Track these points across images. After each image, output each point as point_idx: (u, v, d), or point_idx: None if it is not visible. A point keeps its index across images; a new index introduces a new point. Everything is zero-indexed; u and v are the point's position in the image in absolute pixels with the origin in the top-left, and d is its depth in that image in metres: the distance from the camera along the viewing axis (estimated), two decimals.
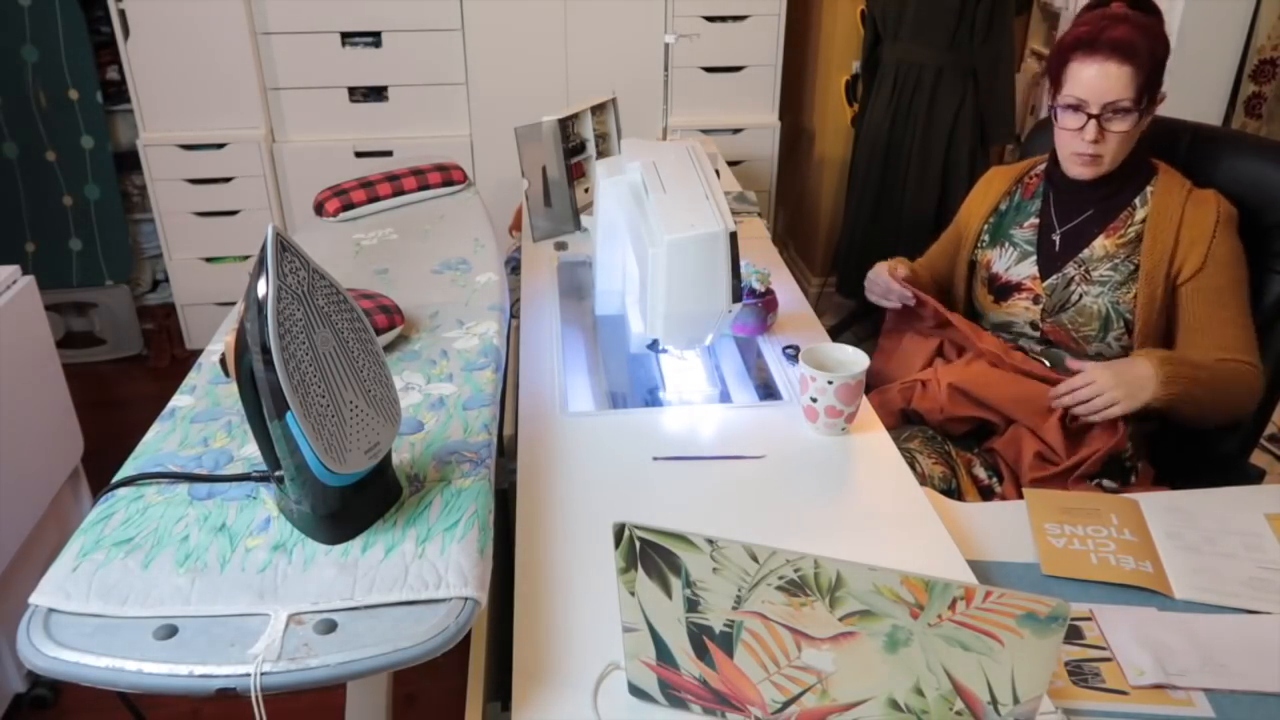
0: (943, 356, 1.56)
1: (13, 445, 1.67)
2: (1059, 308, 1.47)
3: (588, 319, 1.63)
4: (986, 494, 1.39)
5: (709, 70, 2.94)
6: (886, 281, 1.58)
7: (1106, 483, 1.37)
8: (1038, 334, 1.51)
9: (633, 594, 0.77)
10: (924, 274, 1.67)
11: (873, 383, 1.59)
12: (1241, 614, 1.01)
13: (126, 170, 2.96)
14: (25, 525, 1.71)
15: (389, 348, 1.24)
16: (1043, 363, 1.49)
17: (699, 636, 0.78)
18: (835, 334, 2.57)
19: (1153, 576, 1.06)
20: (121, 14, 2.61)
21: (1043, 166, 1.55)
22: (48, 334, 1.84)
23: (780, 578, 0.72)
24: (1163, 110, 1.40)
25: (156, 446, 1.02)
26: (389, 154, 2.86)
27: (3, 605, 1.68)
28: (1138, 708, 0.89)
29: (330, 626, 0.78)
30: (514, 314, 1.60)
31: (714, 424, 1.26)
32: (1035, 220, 1.53)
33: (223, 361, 1.17)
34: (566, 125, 1.83)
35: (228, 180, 2.83)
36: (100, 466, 1.71)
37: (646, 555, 0.75)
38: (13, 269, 1.77)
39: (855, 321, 2.98)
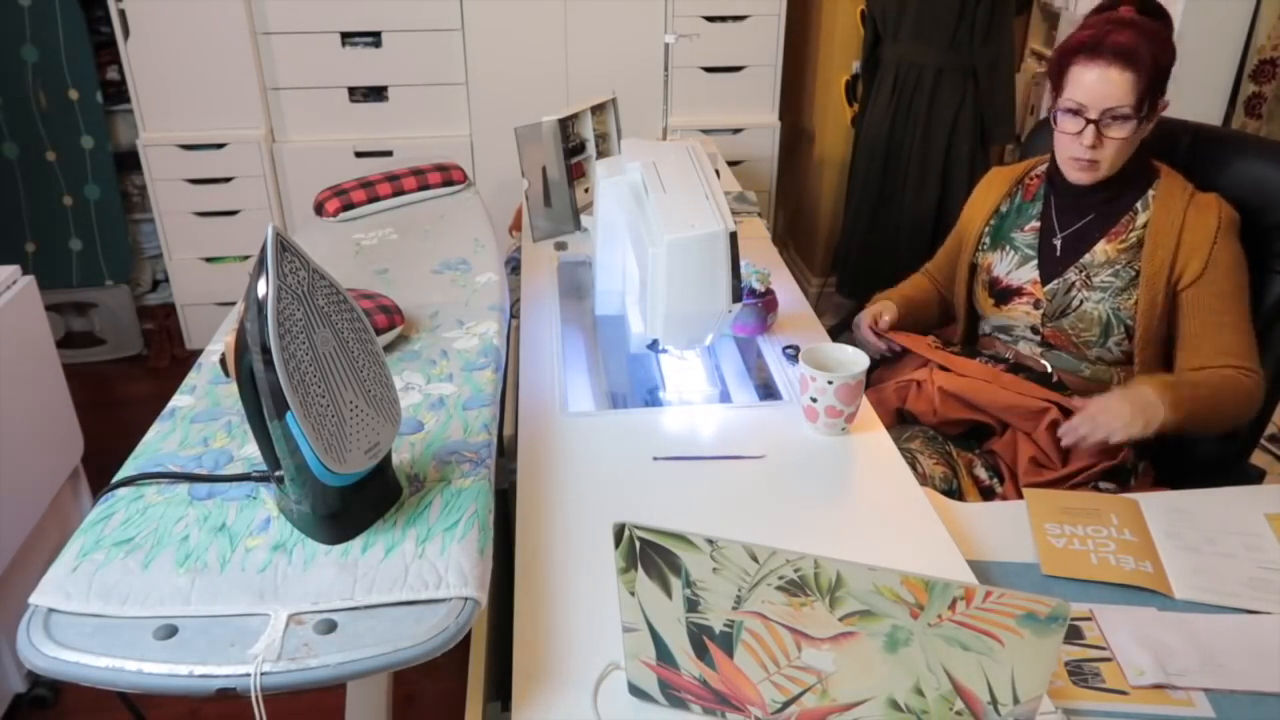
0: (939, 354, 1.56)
1: (13, 445, 1.67)
2: (1060, 313, 1.47)
3: (588, 319, 1.63)
4: (987, 494, 1.39)
5: (709, 70, 2.94)
6: (864, 338, 1.59)
7: (1105, 484, 1.37)
8: (1038, 338, 1.51)
9: (633, 594, 0.77)
10: (919, 293, 1.69)
11: (869, 382, 1.59)
12: (1241, 614, 1.01)
13: (126, 170, 2.96)
14: (25, 525, 1.71)
15: (389, 348, 1.24)
16: (1044, 365, 1.50)
17: (699, 636, 0.78)
18: (835, 334, 2.57)
19: (1153, 576, 1.06)
20: (121, 14, 2.61)
21: (1043, 167, 1.54)
22: (48, 334, 1.84)
23: (780, 578, 0.72)
24: (1163, 110, 1.40)
25: (156, 446, 1.02)
26: (389, 154, 2.86)
27: (3, 605, 1.68)
28: (1138, 708, 0.89)
29: (330, 626, 0.78)
30: (514, 314, 1.60)
31: (714, 424, 1.26)
32: (1036, 224, 1.52)
33: (223, 361, 1.17)
34: (566, 125, 1.83)
35: (228, 180, 2.83)
36: (100, 466, 1.71)
37: (646, 555, 0.75)
38: (13, 269, 1.77)
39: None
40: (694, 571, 0.74)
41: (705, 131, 2.89)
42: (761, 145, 3.04)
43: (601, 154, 1.92)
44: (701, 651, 0.78)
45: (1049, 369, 1.48)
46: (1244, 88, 2.33)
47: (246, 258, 2.94)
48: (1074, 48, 1.35)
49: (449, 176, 1.81)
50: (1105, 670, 0.93)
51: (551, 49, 2.83)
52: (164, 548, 0.86)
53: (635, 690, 0.84)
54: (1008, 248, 1.55)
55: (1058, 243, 1.49)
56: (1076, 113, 1.35)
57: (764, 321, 1.50)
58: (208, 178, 2.82)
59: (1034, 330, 1.51)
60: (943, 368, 1.49)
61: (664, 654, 0.80)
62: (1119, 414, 1.29)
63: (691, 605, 0.76)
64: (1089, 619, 1.00)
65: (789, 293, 1.62)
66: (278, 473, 0.88)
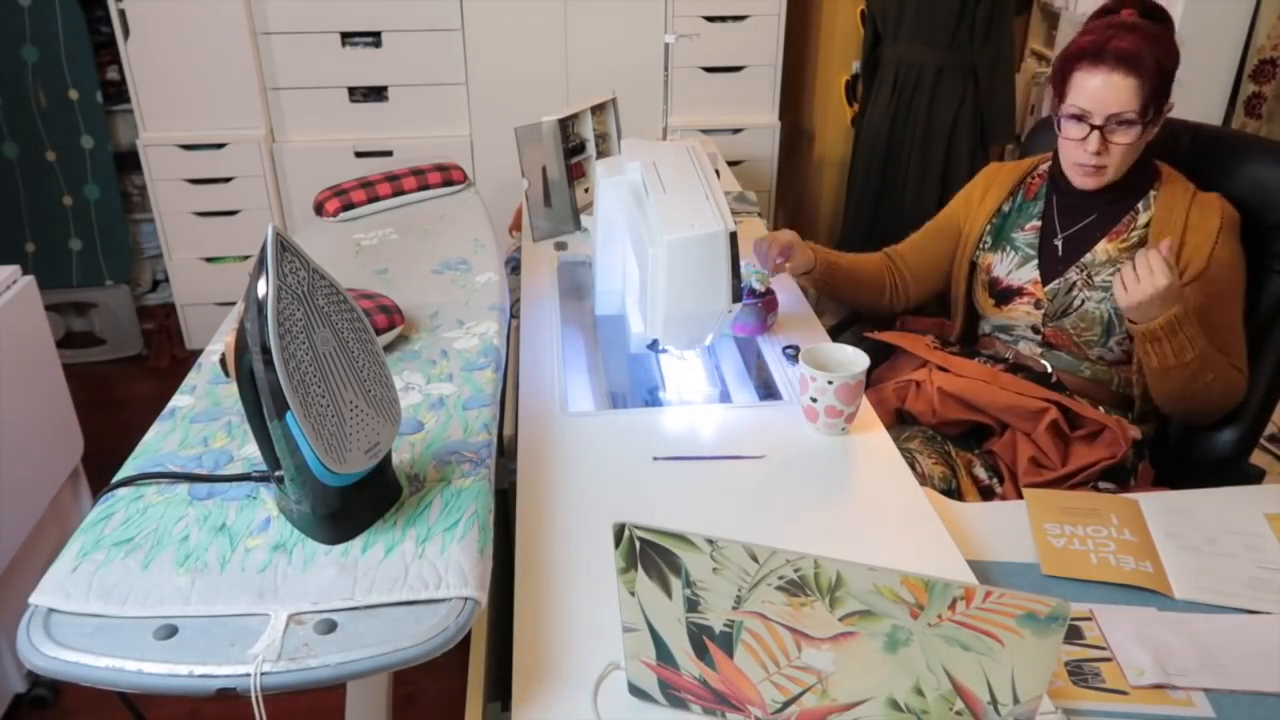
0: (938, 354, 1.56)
1: (13, 445, 1.67)
2: (1061, 313, 1.47)
3: (588, 319, 1.63)
4: (987, 494, 1.39)
5: (709, 70, 2.94)
6: (765, 251, 1.52)
7: (1104, 484, 1.37)
8: (1039, 338, 1.51)
9: (633, 594, 0.77)
10: (857, 267, 1.65)
11: (868, 382, 1.59)
12: (1241, 614, 1.01)
13: (126, 170, 2.96)
14: (25, 525, 1.71)
15: (389, 348, 1.24)
16: (1044, 365, 1.49)
17: (699, 636, 0.78)
18: (835, 334, 2.57)
19: (1153, 576, 1.06)
20: (121, 14, 2.61)
21: (1046, 166, 1.54)
22: (48, 334, 1.84)
23: (780, 578, 0.72)
24: (1168, 113, 1.39)
25: (156, 446, 1.02)
26: (389, 154, 2.86)
27: (3, 605, 1.68)
28: (1138, 708, 0.89)
29: (330, 626, 0.78)
30: (514, 314, 1.60)
31: (714, 424, 1.26)
32: (1037, 223, 1.52)
33: (223, 361, 1.17)
34: (566, 125, 1.83)
35: (228, 180, 2.83)
36: (100, 466, 1.71)
37: (646, 555, 0.75)
38: (13, 269, 1.77)
39: (855, 321, 2.98)
40: (694, 571, 0.74)
41: (705, 131, 2.89)
42: (761, 145, 3.04)
43: (601, 154, 1.92)
44: (701, 651, 0.78)
45: (1049, 369, 1.48)
46: (1244, 88, 2.33)
47: (246, 258, 2.94)
48: (1076, 54, 1.34)
49: (449, 176, 1.81)
50: (1105, 670, 0.93)
51: (551, 49, 2.83)
52: (164, 548, 0.86)
53: (635, 690, 0.84)
54: (1008, 248, 1.55)
55: (1059, 243, 1.48)
56: (1080, 119, 1.34)
57: (764, 321, 1.50)
58: (208, 178, 2.82)
59: (1035, 330, 1.51)
60: (941, 368, 1.49)
61: (664, 654, 0.80)
62: (1146, 287, 1.26)
63: (691, 605, 0.76)
64: (1089, 619, 1.00)
65: (789, 293, 1.62)
66: (278, 473, 0.88)
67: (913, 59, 2.61)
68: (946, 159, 2.64)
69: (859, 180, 2.82)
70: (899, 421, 1.53)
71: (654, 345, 1.41)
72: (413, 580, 0.83)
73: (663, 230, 1.17)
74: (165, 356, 3.07)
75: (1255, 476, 1.43)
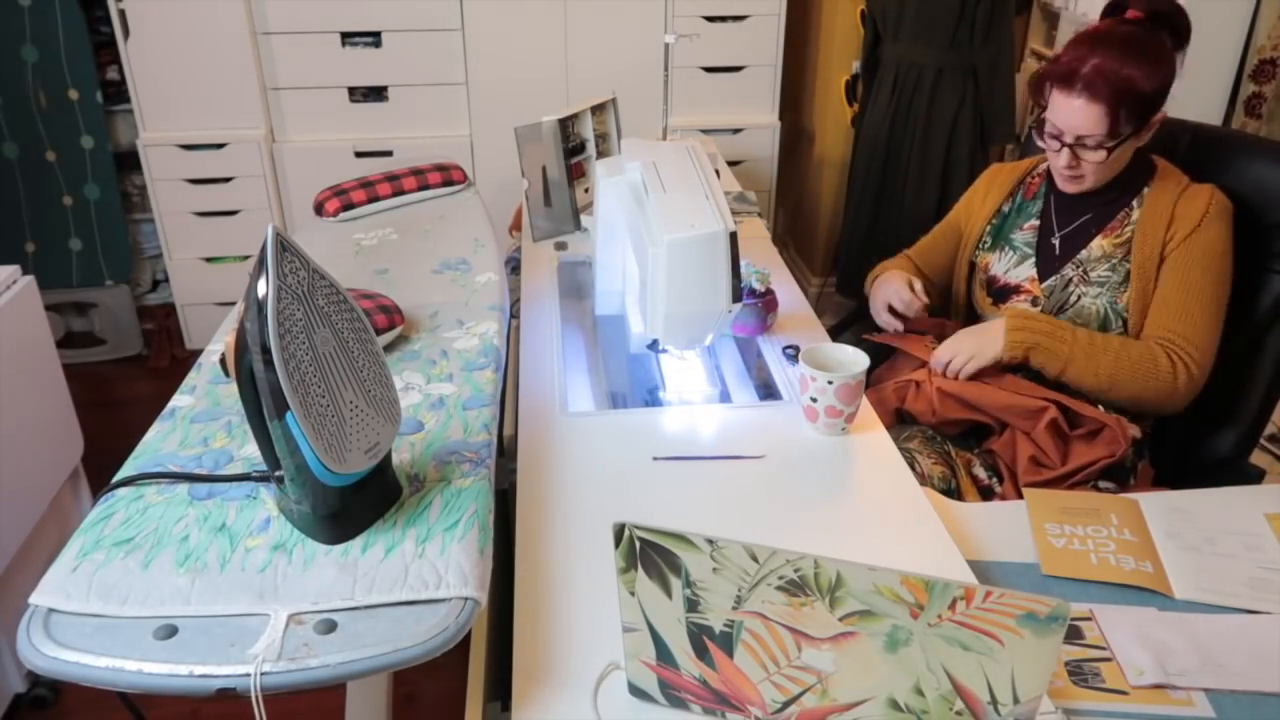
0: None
1: (13, 445, 1.67)
2: (1058, 309, 1.47)
3: (588, 319, 1.63)
4: (986, 494, 1.39)
5: (709, 70, 2.94)
6: (883, 317, 1.58)
7: (1104, 484, 1.37)
8: None
9: (633, 594, 0.77)
10: (918, 269, 1.68)
11: (868, 382, 1.59)
12: (1241, 614, 1.01)
13: (126, 170, 2.96)
14: (25, 525, 1.71)
15: (389, 348, 1.24)
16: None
17: (699, 636, 0.78)
18: (835, 334, 2.56)
19: (1153, 576, 1.06)
20: (121, 14, 2.61)
21: (1045, 166, 1.55)
22: (48, 334, 1.84)
23: (780, 578, 0.72)
24: (1159, 119, 1.39)
25: (156, 446, 1.02)
26: (389, 154, 2.86)
27: (3, 605, 1.68)
28: (1138, 708, 0.89)
29: (330, 626, 0.78)
30: (514, 314, 1.60)
31: (714, 424, 1.26)
32: (1035, 222, 1.53)
33: (223, 361, 1.17)
34: (566, 125, 1.83)
35: (228, 180, 2.83)
36: (100, 466, 1.71)
37: (646, 555, 0.75)
38: (13, 269, 1.77)
39: (855, 321, 2.98)
40: (694, 571, 0.74)
41: (705, 131, 2.89)
42: (761, 145, 3.04)
43: (601, 154, 1.92)
44: (701, 651, 0.78)
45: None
46: (1244, 88, 2.33)
47: (246, 258, 2.94)
48: (1052, 73, 1.36)
49: (449, 176, 1.81)
50: (1105, 670, 0.93)
51: (551, 49, 2.83)
52: (164, 548, 0.86)
53: (635, 690, 0.84)
54: (1006, 247, 1.55)
55: (1056, 241, 1.49)
56: (1054, 135, 1.38)
57: (764, 321, 1.50)
58: (208, 178, 2.82)
59: None
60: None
61: (664, 654, 0.80)
62: (965, 347, 1.43)
63: (691, 605, 0.76)
64: (1089, 619, 1.00)
65: (789, 293, 1.62)
66: (278, 473, 0.88)
67: (913, 59, 2.61)
68: (946, 159, 2.64)
69: (859, 180, 2.82)
70: (899, 421, 1.53)
71: (654, 345, 1.41)
72: (413, 580, 0.83)
73: (663, 230, 1.17)
74: (165, 356, 3.07)
75: (1255, 476, 1.43)
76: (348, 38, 2.76)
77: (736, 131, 3.00)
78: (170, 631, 0.78)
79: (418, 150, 2.82)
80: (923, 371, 1.51)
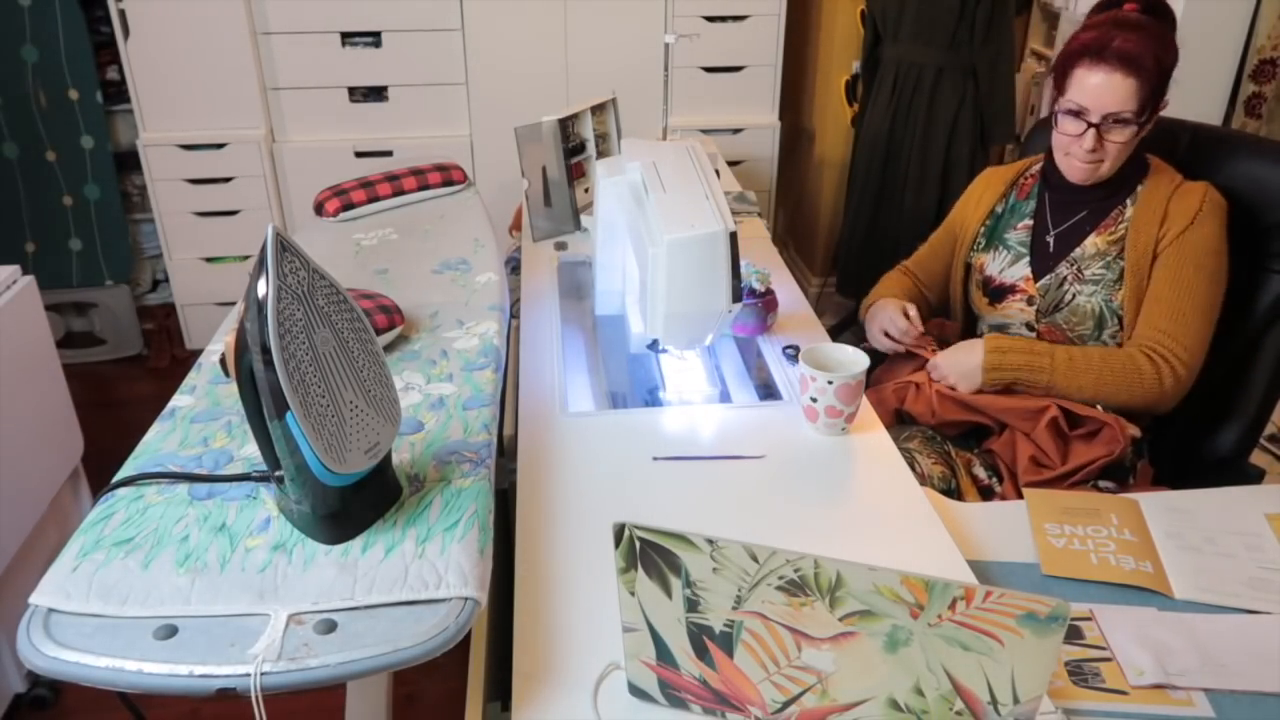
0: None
1: (13, 445, 1.67)
2: (1053, 308, 1.47)
3: (588, 319, 1.63)
4: (986, 494, 1.39)
5: (709, 70, 2.94)
6: (881, 341, 1.58)
7: (1104, 483, 1.37)
8: (1033, 335, 1.51)
9: (633, 594, 0.77)
10: (906, 293, 1.68)
11: (868, 382, 1.59)
12: (1241, 614, 1.01)
13: (126, 170, 2.96)
14: (25, 525, 1.71)
15: (389, 348, 1.24)
16: None
17: (699, 636, 0.78)
18: (835, 334, 2.56)
19: (1153, 576, 1.06)
20: (121, 14, 2.61)
21: (1038, 167, 1.55)
22: (48, 334, 1.84)
23: (780, 578, 0.72)
24: (1163, 110, 1.40)
25: (156, 446, 1.02)
26: (389, 154, 2.86)
27: (3, 605, 1.68)
28: (1138, 708, 0.89)
29: (330, 626, 0.78)
30: (514, 314, 1.60)
31: (714, 424, 1.26)
32: (1029, 222, 1.53)
33: (223, 361, 1.17)
34: (566, 125, 1.83)
35: (228, 180, 2.83)
36: (100, 466, 1.71)
37: (646, 555, 0.75)
38: (13, 269, 1.77)
39: (855, 321, 2.98)
40: (694, 571, 0.74)
41: (705, 131, 2.89)
42: (761, 145, 3.04)
43: (601, 154, 1.92)
44: (701, 651, 0.78)
45: None
46: (1244, 88, 2.33)
47: (246, 258, 2.94)
48: (1079, 50, 1.35)
49: (449, 176, 1.81)
50: (1105, 670, 0.93)
51: (551, 49, 2.83)
52: (164, 548, 0.86)
53: (635, 690, 0.84)
54: (1001, 247, 1.55)
55: (1050, 239, 1.49)
56: (1078, 114, 1.35)
57: (764, 321, 1.50)
58: (208, 178, 2.82)
59: (1029, 327, 1.51)
60: None
61: (664, 654, 0.80)
62: (949, 374, 1.45)
63: (691, 605, 0.76)
64: (1089, 619, 1.00)
65: (789, 293, 1.62)
66: (278, 473, 0.88)
67: (913, 59, 2.61)
68: (946, 159, 2.64)
69: (859, 180, 2.82)
70: (898, 421, 1.53)
71: (654, 345, 1.41)
72: (413, 580, 0.83)
73: (663, 230, 1.17)
74: (165, 356, 3.07)
75: (1255, 476, 1.43)
76: (348, 38, 2.76)
77: (736, 131, 3.00)
78: (170, 631, 0.78)
79: (418, 150, 2.82)
80: (922, 373, 1.51)
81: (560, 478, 1.13)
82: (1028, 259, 1.51)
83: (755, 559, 0.72)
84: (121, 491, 0.94)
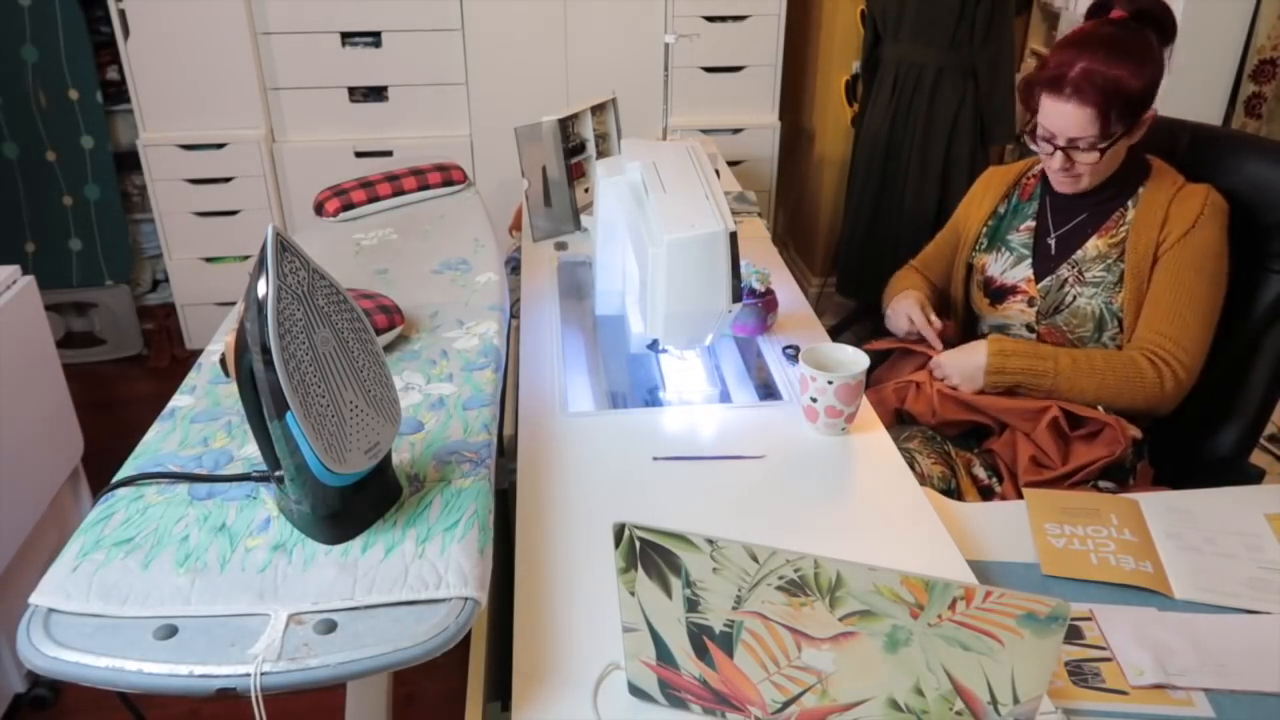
0: None
1: (13, 445, 1.67)
2: (1053, 309, 1.47)
3: (588, 319, 1.63)
4: (986, 494, 1.39)
5: (709, 70, 2.94)
6: (920, 320, 1.57)
7: (1104, 483, 1.37)
8: (1034, 336, 1.51)
9: (633, 594, 0.77)
10: (926, 280, 1.69)
11: (868, 382, 1.59)
12: (1241, 614, 1.01)
13: (126, 170, 2.96)
14: (25, 525, 1.71)
15: (389, 348, 1.24)
16: None
17: (699, 636, 0.78)
18: (835, 334, 2.56)
19: (1153, 576, 1.06)
20: (121, 14, 2.61)
21: (1040, 167, 1.55)
22: (48, 334, 1.84)
23: (780, 578, 0.72)
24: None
25: (156, 446, 1.02)
26: (389, 154, 2.86)
27: (3, 605, 1.68)
28: (1138, 708, 0.89)
29: (330, 626, 0.78)
30: (514, 314, 1.60)
31: (714, 424, 1.26)
32: (1031, 223, 1.53)
33: (223, 361, 1.17)
34: (566, 125, 1.83)
35: (228, 180, 2.83)
36: (100, 466, 1.71)
37: (646, 555, 0.75)
38: (13, 269, 1.77)
39: (855, 321, 2.98)
40: (694, 571, 0.74)
41: (705, 131, 2.89)
42: (761, 145, 3.04)
43: (601, 154, 1.92)
44: (701, 651, 0.78)
45: None
46: (1244, 88, 2.33)
47: (246, 258, 2.94)
48: (1041, 80, 1.37)
49: (449, 176, 1.81)
50: (1105, 670, 0.94)
51: (551, 49, 2.83)
52: (164, 548, 0.86)
53: (635, 690, 0.84)
54: (1003, 248, 1.56)
55: (1052, 242, 1.49)
56: (1047, 139, 1.38)
57: (764, 321, 1.50)
58: (208, 178, 2.82)
59: (1029, 328, 1.51)
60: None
61: (664, 654, 0.80)
62: (952, 374, 1.45)
63: (691, 605, 0.76)
64: (1089, 619, 1.00)
65: (789, 293, 1.62)
66: (278, 473, 0.88)
67: (913, 59, 2.61)
68: (946, 159, 2.64)
69: (859, 180, 2.82)
70: (898, 421, 1.53)
71: (654, 345, 1.41)
72: (413, 580, 0.83)
73: (663, 230, 1.17)
74: (165, 356, 3.07)
75: (1255, 476, 1.43)
76: (348, 38, 2.76)
77: (736, 131, 3.00)
78: (170, 631, 0.78)
79: (418, 150, 2.82)
80: (923, 373, 1.51)
81: (560, 478, 1.13)
82: (1029, 260, 1.51)
83: (755, 559, 0.72)
84: (121, 491, 0.94)
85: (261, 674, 0.74)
